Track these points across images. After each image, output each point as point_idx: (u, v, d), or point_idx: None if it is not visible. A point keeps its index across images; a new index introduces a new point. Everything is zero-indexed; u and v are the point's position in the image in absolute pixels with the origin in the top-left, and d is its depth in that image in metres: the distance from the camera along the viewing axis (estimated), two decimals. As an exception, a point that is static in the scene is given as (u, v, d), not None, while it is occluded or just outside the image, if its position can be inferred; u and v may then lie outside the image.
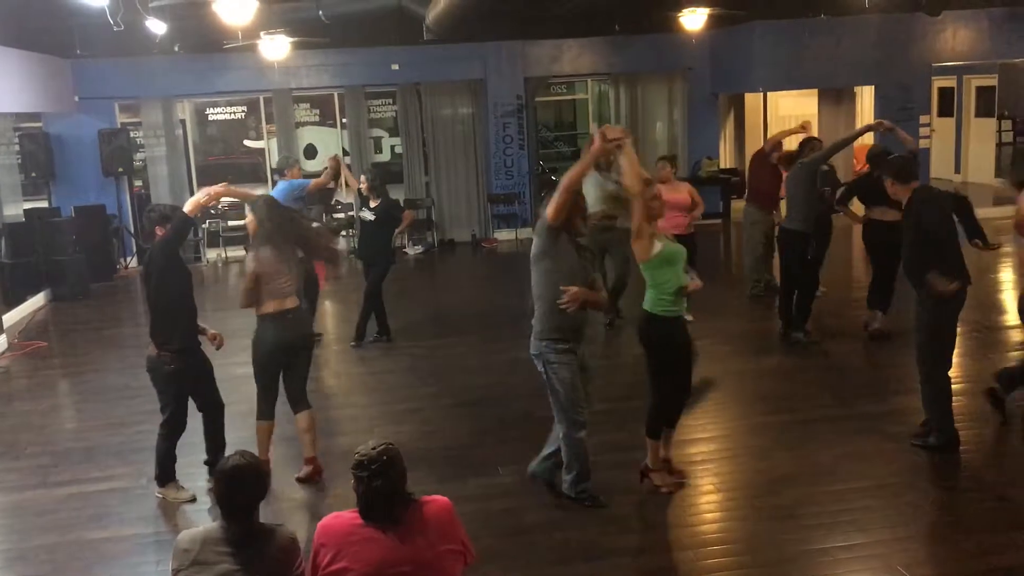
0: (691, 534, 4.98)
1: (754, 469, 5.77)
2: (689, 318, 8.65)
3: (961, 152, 18.26)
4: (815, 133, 10.67)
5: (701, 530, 5.04)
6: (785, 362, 7.97)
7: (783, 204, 8.82)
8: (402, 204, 10.13)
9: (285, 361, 5.62)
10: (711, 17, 11.79)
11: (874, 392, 7.01)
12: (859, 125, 16.42)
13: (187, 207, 5.48)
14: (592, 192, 7.70)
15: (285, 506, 5.48)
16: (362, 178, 9.03)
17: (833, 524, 4.93)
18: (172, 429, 5.54)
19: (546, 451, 5.36)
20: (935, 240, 5.51)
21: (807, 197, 7.99)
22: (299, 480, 5.73)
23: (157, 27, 10.08)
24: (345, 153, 14.82)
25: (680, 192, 8.67)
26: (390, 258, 9.08)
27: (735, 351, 8.51)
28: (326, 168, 8.89)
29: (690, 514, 5.21)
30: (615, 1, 11.70)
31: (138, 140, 14.48)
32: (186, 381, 5.53)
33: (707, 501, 5.39)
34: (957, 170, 18.28)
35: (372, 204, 8.84)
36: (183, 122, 14.76)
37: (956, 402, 5.86)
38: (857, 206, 8.30)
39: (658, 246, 5.08)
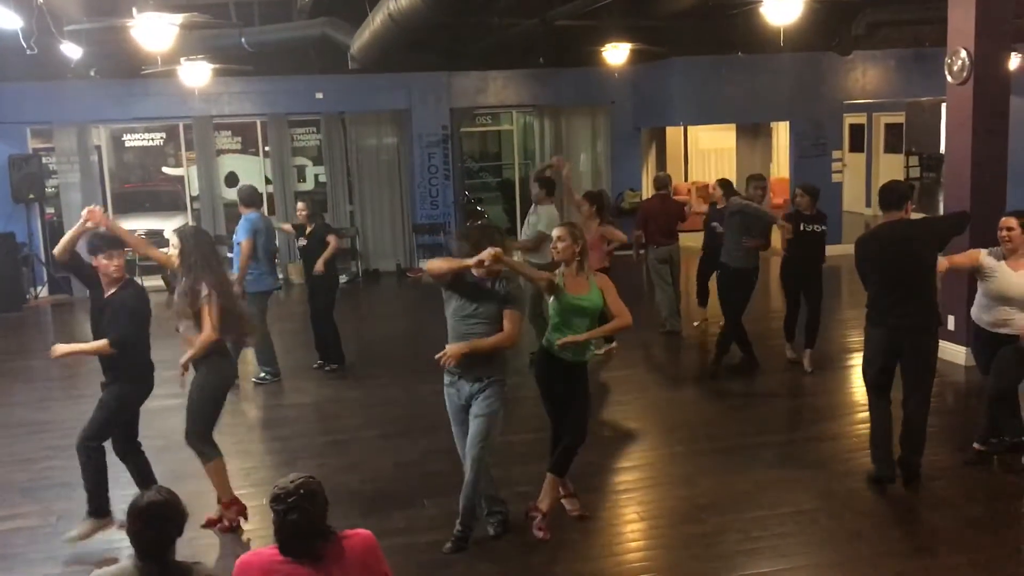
0: (615, 563, 5.00)
1: (677, 497, 5.83)
2: (599, 352, 8.84)
3: (872, 186, 18.94)
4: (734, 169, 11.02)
5: (625, 559, 5.06)
6: (704, 392, 8.11)
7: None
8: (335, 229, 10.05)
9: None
10: (633, 52, 12.03)
11: (791, 421, 7.18)
12: (775, 159, 17.02)
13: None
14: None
15: (204, 543, 5.32)
16: (299, 205, 8.96)
17: (754, 550, 5.01)
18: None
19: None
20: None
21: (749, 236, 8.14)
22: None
23: (72, 51, 9.82)
24: (268, 182, 14.65)
25: (588, 232, 8.71)
26: (332, 283, 9.02)
27: (655, 382, 8.64)
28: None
29: (615, 543, 5.23)
30: (539, 35, 11.86)
31: (51, 166, 14.07)
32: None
33: (631, 530, 5.42)
34: (868, 204, 18.95)
35: (308, 230, 8.80)
36: (99, 148, 14.39)
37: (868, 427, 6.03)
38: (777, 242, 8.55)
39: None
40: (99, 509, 5.29)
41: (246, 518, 5.47)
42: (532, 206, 8.80)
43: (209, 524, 5.46)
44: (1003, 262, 5.89)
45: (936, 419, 6.18)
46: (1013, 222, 5.86)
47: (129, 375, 5.30)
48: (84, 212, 5.34)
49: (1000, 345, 5.87)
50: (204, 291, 5.24)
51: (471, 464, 4.99)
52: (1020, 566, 4.61)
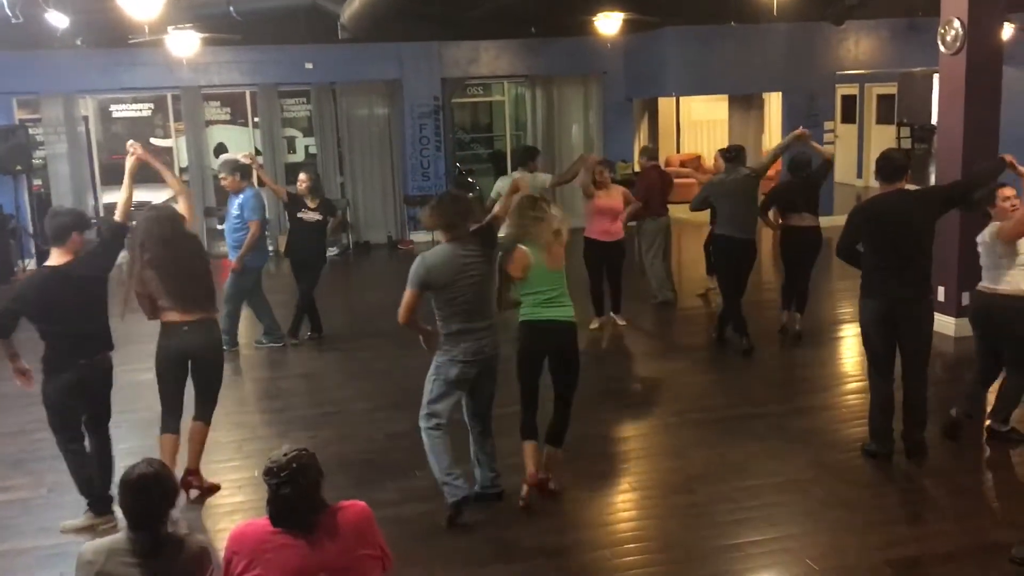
0: (607, 533, 5.03)
1: (668, 468, 5.86)
2: (594, 325, 8.86)
3: (863, 157, 18.93)
4: (726, 140, 10.97)
5: (617, 528, 5.09)
6: (697, 363, 8.13)
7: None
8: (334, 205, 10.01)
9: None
10: (625, 22, 11.95)
11: (783, 392, 7.21)
12: (767, 130, 16.96)
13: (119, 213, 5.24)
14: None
15: (196, 514, 5.33)
16: (302, 176, 8.88)
17: (745, 520, 5.04)
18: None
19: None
20: None
21: (752, 206, 8.11)
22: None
23: (59, 20, 9.69)
24: (257, 153, 14.54)
25: (614, 198, 8.71)
26: (324, 259, 9.08)
27: (647, 353, 8.66)
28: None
29: (606, 513, 5.26)
30: (531, 4, 11.75)
31: (37, 137, 13.93)
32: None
33: (623, 500, 5.45)
34: (859, 175, 18.94)
35: (311, 204, 8.72)
36: (86, 119, 14.24)
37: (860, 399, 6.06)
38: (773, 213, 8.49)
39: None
40: (96, 505, 5.17)
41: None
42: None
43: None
44: None
45: (928, 390, 6.20)
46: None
47: (44, 366, 5.19)
48: (129, 146, 5.53)
49: None
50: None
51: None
52: (1010, 533, 4.65)
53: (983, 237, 5.78)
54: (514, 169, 9.04)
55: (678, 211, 13.14)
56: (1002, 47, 8.40)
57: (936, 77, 8.79)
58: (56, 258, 5.08)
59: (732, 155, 8.20)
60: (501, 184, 8.92)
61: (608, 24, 11.83)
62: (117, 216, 5.40)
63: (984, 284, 5.81)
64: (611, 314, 9.07)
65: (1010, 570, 4.10)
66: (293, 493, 2.99)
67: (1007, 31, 11.40)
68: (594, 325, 8.93)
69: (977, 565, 4.53)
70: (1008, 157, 5.87)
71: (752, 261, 8.25)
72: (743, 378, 7.64)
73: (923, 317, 5.61)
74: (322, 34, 12.90)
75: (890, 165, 5.63)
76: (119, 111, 15.03)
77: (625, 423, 6.71)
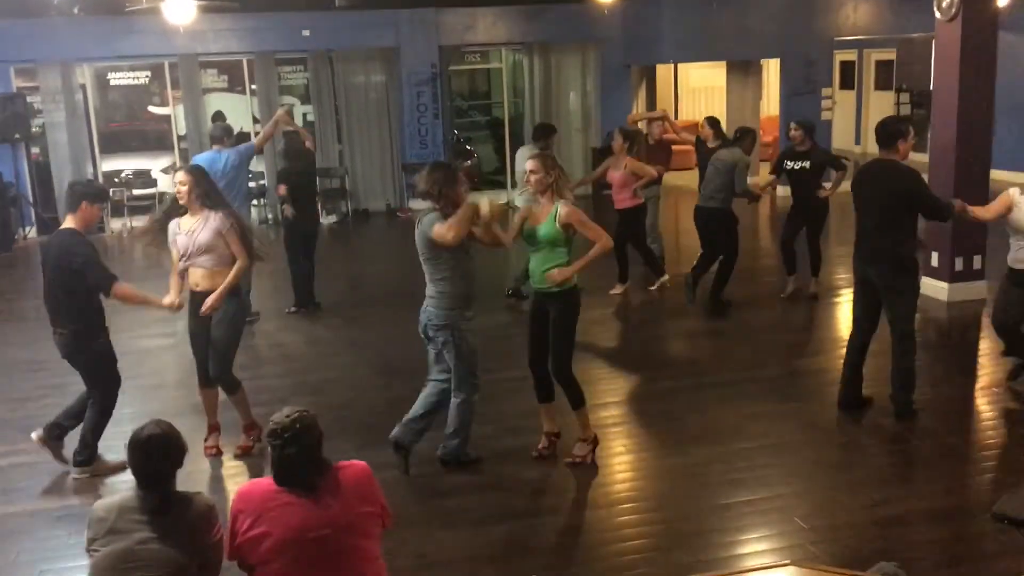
0: (603, 494, 5.15)
1: (663, 431, 5.97)
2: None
3: (861, 124, 18.91)
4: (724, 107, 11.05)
5: (613, 489, 5.22)
6: (690, 328, 8.24)
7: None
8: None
9: None
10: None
11: (777, 355, 7.31)
12: (765, 97, 16.93)
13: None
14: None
15: (202, 475, 5.45)
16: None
17: (737, 480, 5.16)
18: (110, 405, 5.49)
19: (416, 415, 5.37)
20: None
21: (730, 184, 8.32)
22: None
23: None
24: (256, 121, 14.55)
25: (617, 169, 8.83)
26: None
27: (642, 319, 8.76)
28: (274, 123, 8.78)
29: (602, 475, 5.38)
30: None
31: (35, 105, 13.92)
32: (111, 354, 5.48)
33: (619, 462, 5.57)
34: (857, 141, 18.93)
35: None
36: (83, 87, 14.22)
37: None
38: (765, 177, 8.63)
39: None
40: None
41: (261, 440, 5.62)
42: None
43: (244, 452, 5.70)
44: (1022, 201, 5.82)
45: (920, 354, 6.30)
46: None
47: None
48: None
49: (1019, 281, 5.94)
50: (226, 223, 5.37)
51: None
52: (995, 492, 4.77)
53: None
54: (534, 141, 9.01)
55: (677, 178, 13.21)
56: (997, 13, 8.41)
57: (934, 42, 8.78)
58: (68, 223, 5.30)
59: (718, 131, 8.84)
60: (521, 157, 8.89)
61: (606, -10, 11.81)
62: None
63: None
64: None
65: (992, 527, 4.22)
66: (296, 453, 3.09)
67: (1004, -3, 11.41)
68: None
69: (961, 524, 4.66)
70: (958, 205, 5.91)
71: (705, 226, 8.63)
72: (738, 342, 7.75)
73: (893, 287, 5.70)
74: (319, 1, 12.85)
75: (883, 132, 5.72)
76: (116, 79, 15.00)
77: (619, 387, 6.82)
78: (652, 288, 9.24)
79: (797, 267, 8.74)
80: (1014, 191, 5.90)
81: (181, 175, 5.51)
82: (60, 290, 5.28)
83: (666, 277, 9.30)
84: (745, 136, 8.79)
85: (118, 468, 5.39)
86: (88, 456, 5.45)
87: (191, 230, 5.41)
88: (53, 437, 5.53)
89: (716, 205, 8.44)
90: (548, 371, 5.34)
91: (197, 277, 5.46)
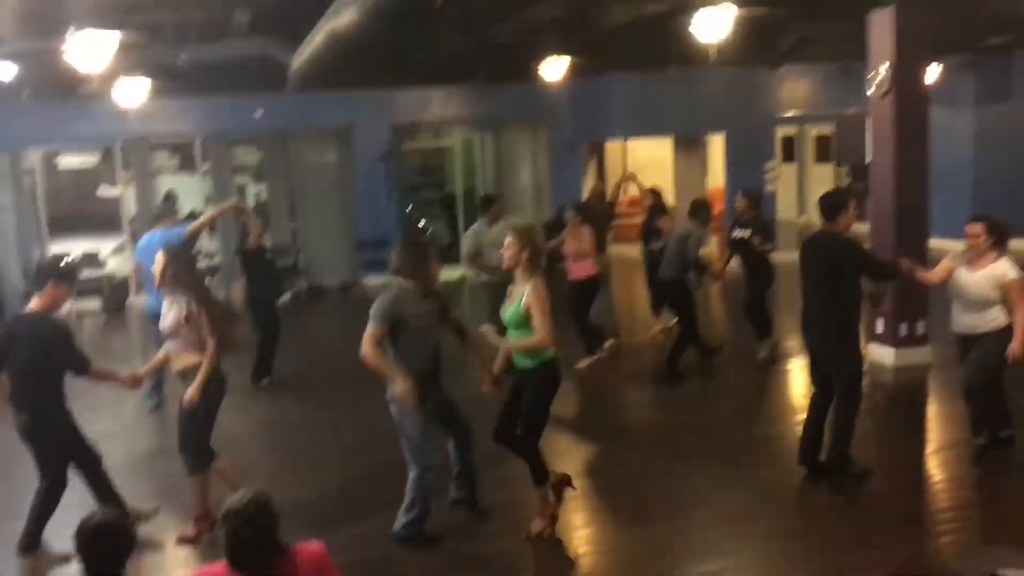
0: (562, 569, 5.12)
1: (622, 503, 5.96)
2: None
3: (804, 195, 19.46)
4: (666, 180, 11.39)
5: (573, 564, 5.17)
6: (648, 397, 8.29)
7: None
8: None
9: None
10: (571, 69, 12.23)
11: (733, 423, 7.37)
12: (711, 170, 17.36)
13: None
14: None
15: (151, 560, 5.30)
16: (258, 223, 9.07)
17: (696, 552, 5.16)
18: (58, 491, 5.31)
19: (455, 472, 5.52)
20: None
21: (681, 254, 8.50)
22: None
23: (5, 72, 9.69)
24: (207, 201, 14.52)
25: (582, 240, 8.89)
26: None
27: (599, 389, 8.79)
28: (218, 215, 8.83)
29: (562, 550, 5.32)
30: (479, 51, 11.98)
31: (-18, 189, 13.78)
32: (72, 440, 5.34)
33: (578, 536, 5.53)
34: (801, 212, 19.43)
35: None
36: (32, 171, 14.12)
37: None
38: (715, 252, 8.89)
39: None
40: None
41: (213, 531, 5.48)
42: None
43: (184, 541, 5.53)
44: (965, 265, 5.94)
45: (870, 420, 6.42)
46: (977, 228, 5.87)
47: None
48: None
49: (966, 345, 6.03)
50: (189, 308, 5.31)
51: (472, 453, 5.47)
52: (952, 556, 4.82)
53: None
54: (482, 218, 9.07)
55: (628, 250, 13.43)
56: (928, 89, 8.79)
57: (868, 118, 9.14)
58: (35, 303, 5.25)
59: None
60: (468, 241, 8.97)
61: (554, 68, 12.10)
62: None
63: None
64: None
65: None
66: (251, 535, 3.03)
67: (933, 73, 11.93)
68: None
69: (919, 587, 4.69)
70: (906, 266, 6.10)
71: (669, 297, 8.88)
72: (696, 410, 7.81)
73: (832, 354, 5.88)
74: (272, 82, 12.99)
75: (824, 205, 5.96)
76: (66, 162, 14.94)
77: (579, 457, 6.80)
78: (598, 357, 9.10)
79: (768, 331, 8.90)
80: (957, 255, 6.05)
81: (158, 256, 5.52)
82: (30, 373, 5.17)
83: (609, 342, 9.19)
84: (699, 208, 8.93)
85: (62, 559, 5.21)
86: (30, 543, 5.27)
87: (165, 313, 5.41)
88: (33, 548, 5.29)
89: (668, 277, 8.60)
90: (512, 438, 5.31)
91: (171, 357, 5.48)
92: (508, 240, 5.14)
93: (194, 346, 5.36)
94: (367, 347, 5.00)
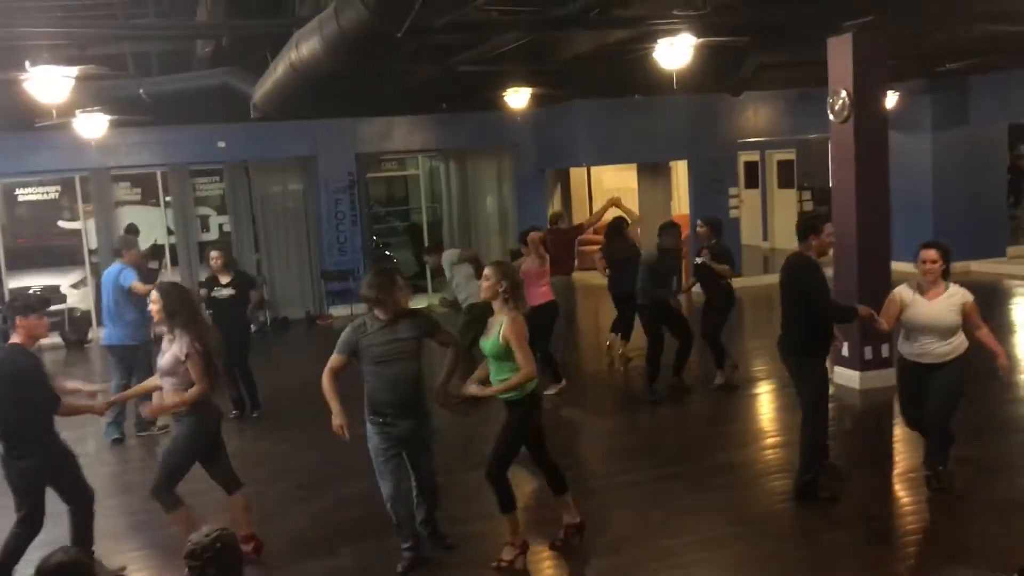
0: (535, 601, 5.04)
1: (592, 531, 5.89)
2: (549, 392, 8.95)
3: (768, 220, 19.67)
4: (630, 206, 11.49)
5: (544, 596, 5.11)
6: (615, 426, 8.28)
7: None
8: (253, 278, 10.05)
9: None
10: (534, 96, 12.31)
11: (702, 449, 7.37)
12: (675, 196, 17.52)
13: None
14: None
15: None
16: (213, 254, 8.92)
17: (668, 579, 5.12)
18: (30, 528, 5.14)
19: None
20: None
21: (656, 281, 8.59)
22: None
23: (-38, 104, 9.54)
24: (170, 232, 14.38)
25: (542, 265, 8.97)
26: (248, 330, 9.16)
27: (562, 418, 8.76)
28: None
29: (533, 581, 5.28)
30: (442, 80, 12.02)
31: (-61, 223, 13.55)
32: (45, 475, 5.17)
33: (547, 567, 5.47)
34: (765, 237, 19.65)
35: (224, 280, 8.77)
36: (-10, 203, 13.92)
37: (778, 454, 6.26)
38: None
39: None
40: None
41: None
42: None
43: None
44: (917, 294, 5.89)
45: (836, 443, 6.44)
46: (934, 254, 5.85)
47: None
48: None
49: (923, 374, 5.92)
50: (188, 348, 5.20)
51: (434, 490, 5.46)
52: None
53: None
54: (428, 254, 9.33)
55: (591, 276, 13.47)
56: (887, 114, 8.95)
57: (830, 143, 9.28)
58: (15, 339, 5.23)
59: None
60: (447, 262, 9.19)
61: (517, 98, 12.17)
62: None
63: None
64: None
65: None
66: (216, 573, 2.97)
67: (892, 99, 12.17)
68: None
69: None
70: (863, 311, 6.01)
71: (642, 318, 8.90)
72: (664, 436, 7.81)
73: (796, 369, 6.04)
74: (234, 113, 12.92)
75: (799, 226, 6.12)
76: (25, 195, 14.71)
77: (547, 488, 6.74)
78: (550, 393, 8.74)
79: (723, 359, 8.92)
80: (899, 291, 5.99)
81: (153, 294, 5.43)
82: (9, 406, 5.05)
83: (563, 383, 9.10)
84: (667, 230, 8.96)
85: None
86: None
87: (163, 350, 5.32)
88: None
89: (641, 301, 8.71)
90: (544, 462, 5.45)
91: (164, 396, 5.40)
92: (488, 271, 5.21)
93: (189, 385, 5.26)
94: (324, 375, 5.22)
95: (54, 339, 13.17)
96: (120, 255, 8.42)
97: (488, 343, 5.14)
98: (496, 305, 5.17)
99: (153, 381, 5.56)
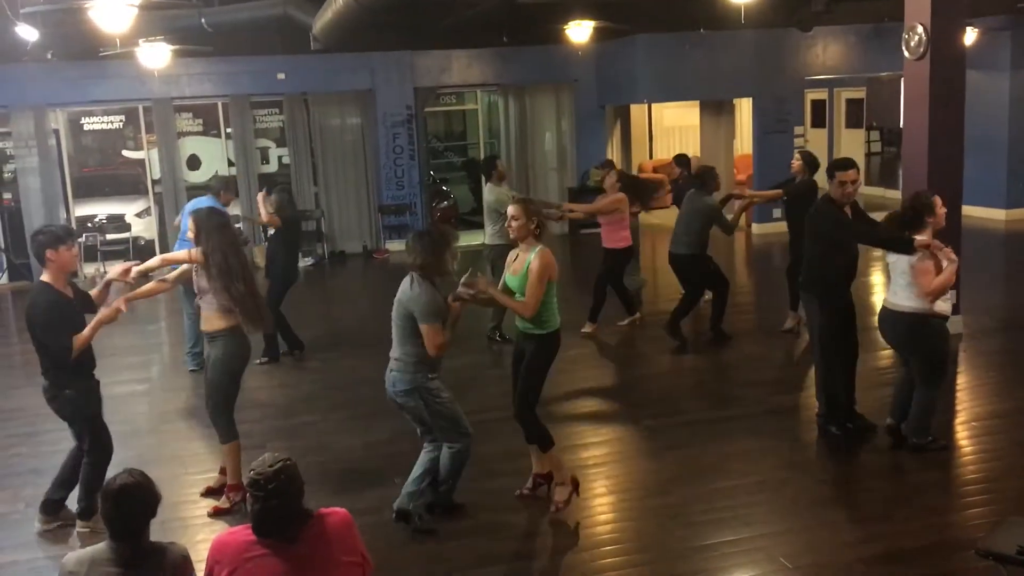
0: (585, 536, 5.09)
1: (644, 471, 5.93)
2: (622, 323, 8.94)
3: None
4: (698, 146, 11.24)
5: (594, 531, 5.15)
6: (670, 368, 8.23)
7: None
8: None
9: None
10: (596, 30, 12.05)
11: (755, 394, 7.30)
12: (738, 135, 17.13)
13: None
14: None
15: (176, 524, 5.33)
16: (265, 198, 8.88)
17: (720, 520, 5.12)
18: (101, 455, 5.25)
19: (413, 477, 5.21)
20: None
21: (704, 229, 8.48)
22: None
23: (29, 33, 9.65)
24: (231, 164, 14.51)
25: (622, 209, 8.90)
26: (280, 270, 8.90)
27: (618, 357, 8.75)
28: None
29: (583, 517, 5.31)
30: (502, 13, 11.83)
31: (8, 151, 13.83)
32: (93, 398, 5.27)
33: (600, 504, 5.51)
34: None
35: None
36: (57, 132, 14.15)
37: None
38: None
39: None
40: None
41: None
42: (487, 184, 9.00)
43: (208, 492, 5.65)
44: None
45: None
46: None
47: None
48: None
49: None
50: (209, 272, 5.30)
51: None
52: (979, 528, 4.76)
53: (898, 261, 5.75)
54: (486, 181, 9.08)
55: (654, 217, 13.32)
56: (964, 52, 8.56)
57: (902, 81, 8.93)
58: (44, 276, 5.12)
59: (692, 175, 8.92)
60: (488, 194, 9.03)
61: (579, 32, 11.92)
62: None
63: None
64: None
65: (976, 564, 4.19)
66: (281, 505, 3.00)
67: (970, 36, 11.64)
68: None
69: (946, 560, 4.63)
70: (923, 240, 5.60)
71: (680, 271, 8.77)
72: (717, 381, 7.75)
73: (810, 307, 6.14)
74: (294, 45, 12.92)
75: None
76: (90, 124, 14.93)
77: (600, 427, 6.77)
78: (622, 324, 9.23)
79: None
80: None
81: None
82: (34, 342, 5.15)
83: (637, 315, 9.31)
84: (707, 177, 8.74)
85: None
86: (84, 508, 5.23)
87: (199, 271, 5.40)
88: (52, 513, 5.31)
89: (684, 252, 8.55)
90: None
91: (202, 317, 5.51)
92: (514, 211, 5.14)
93: (222, 309, 5.34)
94: (439, 339, 4.91)
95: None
96: (218, 194, 8.43)
97: (517, 279, 5.11)
98: (523, 245, 5.14)
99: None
